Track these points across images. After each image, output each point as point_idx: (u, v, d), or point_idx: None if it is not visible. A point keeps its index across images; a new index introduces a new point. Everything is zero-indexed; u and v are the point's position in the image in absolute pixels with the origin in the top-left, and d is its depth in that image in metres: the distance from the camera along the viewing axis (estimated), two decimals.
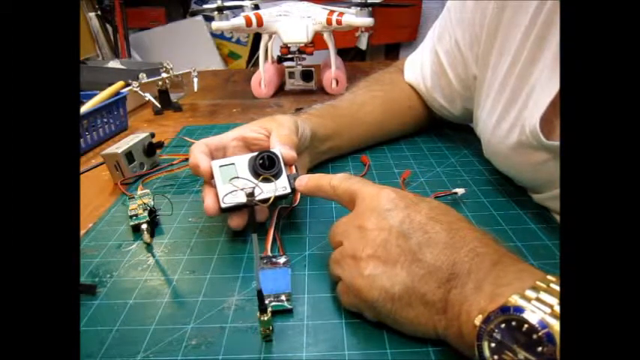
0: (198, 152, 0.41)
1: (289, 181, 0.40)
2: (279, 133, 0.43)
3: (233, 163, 0.40)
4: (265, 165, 0.40)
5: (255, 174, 0.40)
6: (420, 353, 0.28)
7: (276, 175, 0.40)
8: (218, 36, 2.20)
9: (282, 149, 0.41)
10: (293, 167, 0.42)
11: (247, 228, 0.41)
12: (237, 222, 0.40)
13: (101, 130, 0.69)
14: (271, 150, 0.40)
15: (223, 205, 0.38)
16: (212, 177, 0.39)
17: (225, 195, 0.38)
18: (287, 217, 0.44)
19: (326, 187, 0.35)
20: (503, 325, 0.22)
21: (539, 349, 0.20)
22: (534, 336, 0.21)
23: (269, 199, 0.36)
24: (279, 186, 0.39)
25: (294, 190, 0.40)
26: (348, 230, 0.31)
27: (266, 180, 0.39)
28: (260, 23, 0.81)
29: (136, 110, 0.87)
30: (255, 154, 0.40)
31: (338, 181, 0.34)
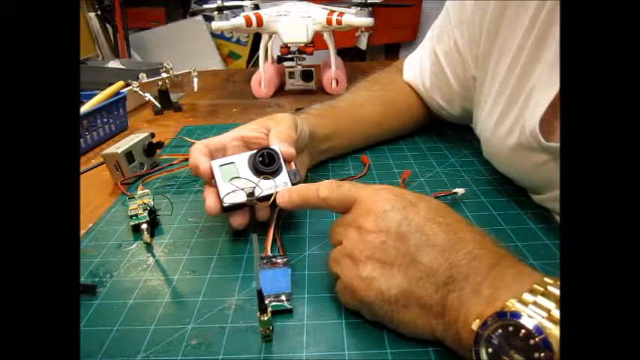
0: (198, 153, 0.41)
1: (289, 177, 0.40)
2: (278, 130, 0.43)
3: (233, 162, 0.40)
4: (265, 162, 0.40)
5: (256, 171, 0.40)
6: (420, 353, 0.28)
7: (277, 172, 0.40)
8: (218, 36, 2.20)
9: (280, 146, 0.41)
10: (292, 164, 0.42)
11: (248, 227, 0.41)
12: (239, 221, 0.40)
13: (101, 130, 0.69)
14: (270, 147, 0.40)
15: (225, 205, 0.38)
16: (212, 177, 0.39)
17: (227, 194, 0.38)
18: (287, 217, 0.44)
19: (314, 200, 0.34)
20: (500, 331, 0.22)
21: (536, 354, 0.20)
22: (531, 342, 0.21)
23: (270, 196, 0.36)
24: (281, 182, 0.39)
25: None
26: (347, 231, 0.31)
27: (266, 178, 0.39)
28: (260, 23, 0.81)
29: (136, 110, 0.87)
30: (255, 151, 0.40)
31: (327, 191, 0.33)
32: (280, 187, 0.39)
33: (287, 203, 0.36)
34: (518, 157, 0.42)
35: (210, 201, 0.39)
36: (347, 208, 0.32)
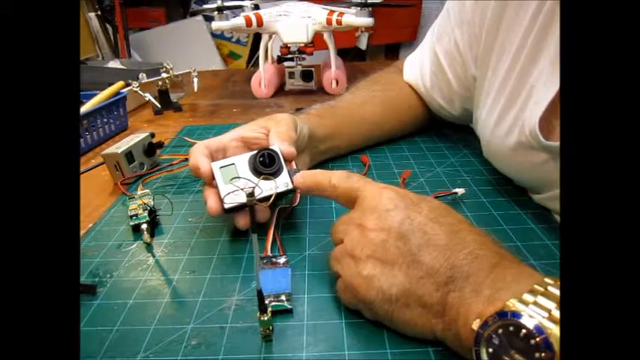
0: (199, 154, 0.40)
1: (290, 177, 0.40)
2: (278, 130, 0.43)
3: (233, 164, 0.40)
4: (265, 162, 0.40)
5: (256, 172, 0.40)
6: (420, 353, 0.28)
7: (277, 172, 0.40)
8: (218, 36, 2.20)
9: (280, 145, 0.41)
10: (293, 163, 0.42)
11: (249, 227, 0.41)
12: (244, 222, 0.40)
13: (101, 130, 0.69)
14: (270, 147, 0.40)
15: (226, 206, 0.38)
16: (213, 178, 0.39)
17: (227, 195, 0.38)
18: (287, 217, 0.44)
19: (325, 185, 0.35)
20: (500, 331, 0.22)
21: (537, 354, 0.20)
22: (532, 341, 0.21)
23: (270, 197, 0.36)
24: (281, 182, 0.39)
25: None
26: (349, 229, 0.31)
27: (266, 178, 0.39)
28: (260, 23, 0.81)
29: (136, 110, 0.87)
30: (255, 152, 0.40)
31: (338, 179, 0.34)
32: (281, 187, 0.39)
33: (301, 184, 0.37)
34: (518, 156, 0.42)
35: (212, 202, 0.39)
36: (351, 200, 0.32)
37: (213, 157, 0.42)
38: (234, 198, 0.38)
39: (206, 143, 0.42)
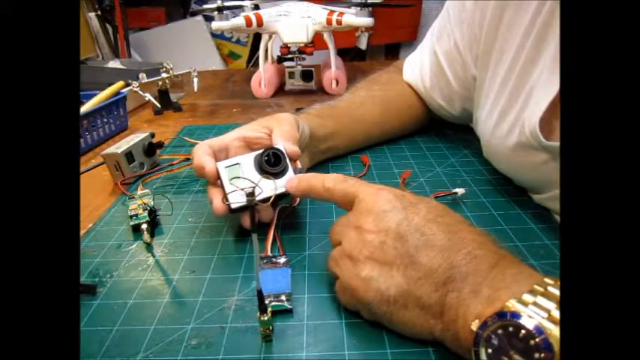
0: (202, 154, 0.40)
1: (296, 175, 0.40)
2: (281, 129, 0.43)
3: (238, 163, 0.40)
4: (271, 161, 0.40)
5: (262, 171, 0.39)
6: (420, 353, 0.28)
7: (283, 171, 0.40)
8: (218, 36, 2.20)
9: (285, 144, 0.41)
10: (298, 162, 0.42)
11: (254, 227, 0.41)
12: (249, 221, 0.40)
13: (101, 130, 0.69)
14: (275, 146, 0.40)
15: (233, 206, 0.38)
16: (218, 178, 0.39)
17: (231, 193, 0.38)
18: (287, 217, 0.44)
19: (319, 189, 0.34)
20: (500, 331, 0.22)
21: (536, 355, 0.20)
22: (531, 342, 0.21)
23: (278, 195, 0.36)
24: (285, 182, 0.39)
25: None
26: (347, 230, 0.31)
27: (267, 178, 0.39)
28: (260, 23, 0.81)
29: (136, 110, 0.87)
30: (260, 151, 0.40)
31: (333, 183, 0.34)
32: (280, 189, 0.39)
33: (294, 189, 0.37)
34: (518, 156, 0.42)
35: (218, 202, 0.39)
36: (348, 203, 0.32)
37: (215, 157, 0.42)
38: (240, 199, 0.37)
39: (209, 143, 0.42)
